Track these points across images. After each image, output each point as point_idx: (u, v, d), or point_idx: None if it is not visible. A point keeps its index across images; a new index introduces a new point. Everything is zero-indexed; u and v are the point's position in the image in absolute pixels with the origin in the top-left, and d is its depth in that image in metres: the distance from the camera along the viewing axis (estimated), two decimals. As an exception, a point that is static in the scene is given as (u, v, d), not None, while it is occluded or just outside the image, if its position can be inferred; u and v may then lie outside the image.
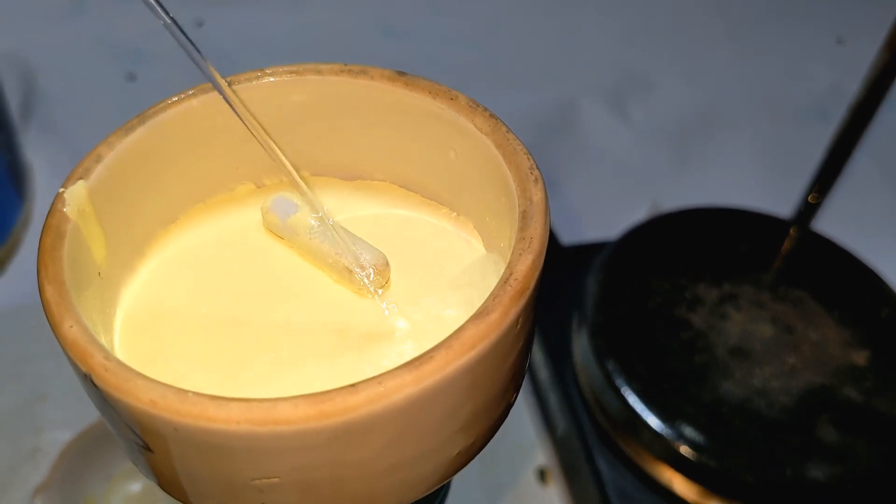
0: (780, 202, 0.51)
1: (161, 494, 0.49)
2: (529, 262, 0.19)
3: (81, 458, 0.46)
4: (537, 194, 0.20)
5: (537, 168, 0.20)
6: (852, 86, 0.44)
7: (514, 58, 0.68)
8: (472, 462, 0.50)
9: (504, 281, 0.18)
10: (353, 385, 0.17)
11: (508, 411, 0.21)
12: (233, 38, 0.66)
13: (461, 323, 0.20)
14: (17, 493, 0.45)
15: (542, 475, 0.48)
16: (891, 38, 0.42)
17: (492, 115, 0.22)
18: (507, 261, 0.19)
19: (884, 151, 0.60)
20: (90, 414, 0.46)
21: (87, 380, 0.17)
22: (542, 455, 0.48)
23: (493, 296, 0.18)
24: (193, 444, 0.17)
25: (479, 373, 0.18)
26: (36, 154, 0.58)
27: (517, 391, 0.21)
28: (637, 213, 0.58)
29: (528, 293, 0.18)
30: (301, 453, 0.17)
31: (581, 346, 0.44)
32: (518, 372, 0.20)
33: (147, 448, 0.18)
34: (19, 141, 0.55)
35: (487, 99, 0.23)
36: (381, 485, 0.19)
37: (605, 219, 0.58)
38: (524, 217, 0.20)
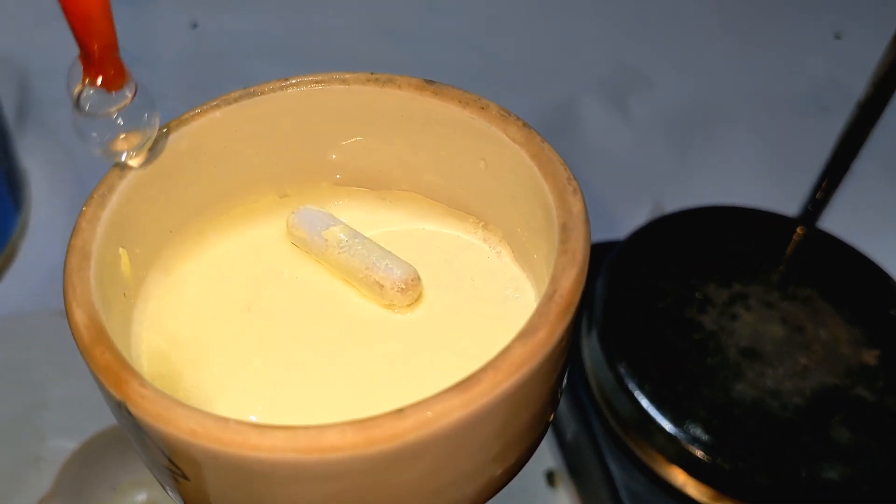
0: (781, 197, 0.51)
1: (167, 505, 0.49)
2: (574, 277, 0.18)
3: (86, 467, 0.45)
4: (577, 205, 0.19)
5: (575, 179, 0.20)
6: (850, 80, 0.44)
7: (513, 57, 0.67)
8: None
9: (549, 297, 0.18)
10: (400, 410, 0.16)
11: (547, 430, 0.21)
12: (227, 41, 0.66)
13: (495, 336, 0.19)
14: (21, 503, 0.44)
15: (550, 478, 0.47)
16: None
17: (525, 125, 0.21)
18: (551, 274, 0.18)
19: (889, 149, 0.60)
20: (92, 421, 0.45)
21: (121, 407, 0.17)
22: (550, 458, 0.48)
23: (539, 313, 0.18)
24: (233, 473, 0.17)
25: (525, 393, 0.18)
26: (31, 161, 0.57)
27: (555, 409, 0.21)
28: (640, 211, 0.58)
29: (573, 309, 0.18)
30: (344, 479, 0.17)
31: (591, 348, 0.44)
32: (558, 389, 0.20)
33: (183, 476, 0.17)
34: (15, 148, 0.54)
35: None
36: (424, 508, 0.18)
37: (609, 218, 0.58)
38: (564, 229, 0.19)
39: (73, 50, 0.70)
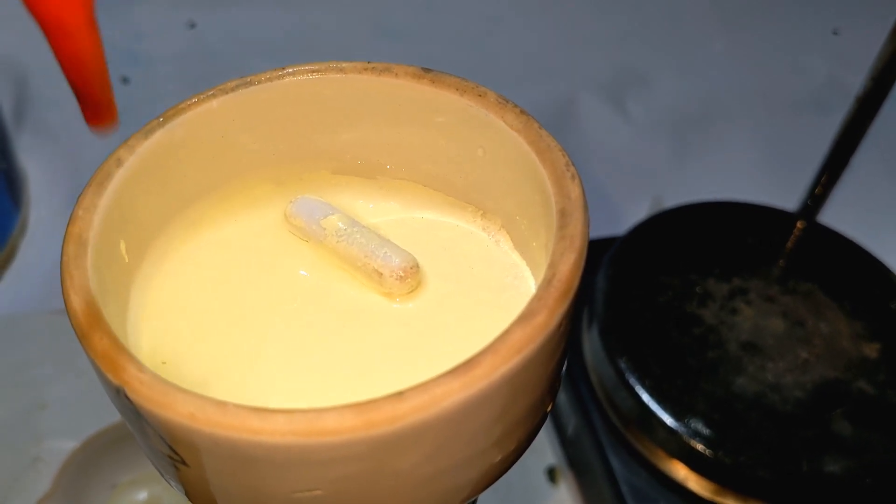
0: (780, 193, 0.51)
1: (166, 502, 0.49)
2: (572, 262, 0.18)
3: (85, 467, 0.45)
4: (575, 191, 0.19)
5: (573, 164, 0.20)
6: (848, 77, 0.44)
7: (511, 55, 0.67)
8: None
9: (548, 282, 0.18)
10: (399, 393, 0.16)
11: (546, 418, 0.20)
12: (225, 40, 0.66)
13: (494, 324, 0.19)
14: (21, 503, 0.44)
15: (551, 475, 0.47)
16: (894, 31, 0.42)
17: (522, 112, 0.21)
18: (549, 259, 0.18)
19: (888, 143, 0.60)
20: (91, 422, 0.45)
21: (120, 393, 0.17)
22: (551, 455, 0.48)
23: (538, 297, 0.17)
24: (233, 457, 0.17)
25: (524, 377, 0.17)
26: (30, 160, 0.57)
27: (555, 397, 0.20)
28: (638, 208, 0.58)
29: (571, 293, 0.18)
30: (344, 464, 0.17)
31: (592, 343, 0.44)
32: (557, 376, 0.20)
33: (182, 462, 0.17)
34: (14, 148, 0.54)
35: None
36: (424, 493, 0.18)
37: (607, 214, 0.58)
38: (563, 215, 0.19)
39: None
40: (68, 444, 0.45)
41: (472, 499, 0.20)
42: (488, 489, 0.48)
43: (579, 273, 0.18)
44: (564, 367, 0.20)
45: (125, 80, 0.62)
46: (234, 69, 0.63)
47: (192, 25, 0.66)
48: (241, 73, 0.65)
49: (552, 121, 0.62)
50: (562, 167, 0.20)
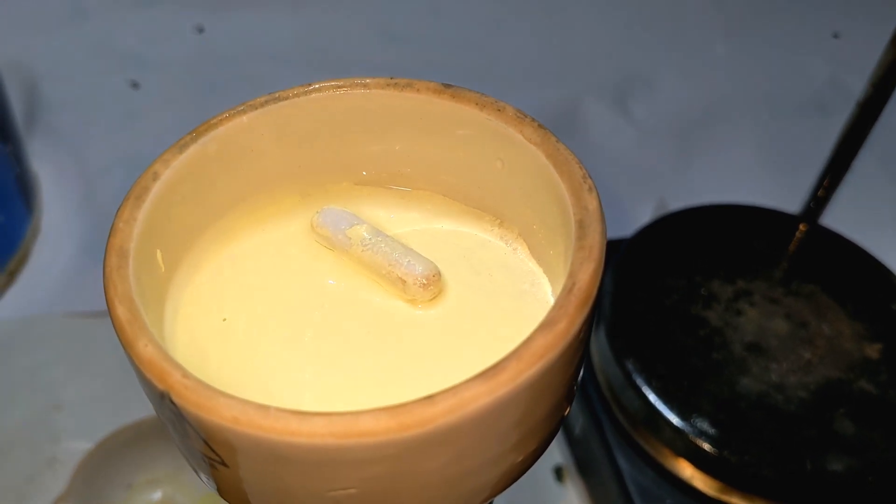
0: (783, 196, 0.52)
1: (181, 501, 0.49)
2: (591, 271, 0.19)
3: (101, 467, 0.46)
4: (592, 203, 0.20)
5: (590, 177, 0.21)
6: (849, 79, 0.45)
7: (514, 59, 0.68)
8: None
9: (568, 291, 0.19)
10: (430, 396, 0.17)
11: (562, 422, 0.21)
12: (234, 45, 0.66)
13: (512, 330, 0.20)
14: (37, 504, 0.45)
15: (559, 474, 0.48)
16: (895, 37, 0.43)
17: (540, 126, 0.22)
18: (569, 269, 0.19)
19: (889, 147, 0.60)
20: (107, 422, 0.46)
21: (165, 398, 0.18)
22: (558, 454, 0.49)
23: (559, 306, 0.18)
24: (271, 458, 0.17)
25: (545, 382, 0.18)
26: (41, 164, 0.58)
27: (571, 402, 0.21)
28: (643, 211, 0.58)
29: (590, 302, 0.19)
30: (377, 464, 0.17)
31: (599, 344, 0.45)
32: (575, 381, 0.21)
33: (222, 463, 0.18)
34: (26, 153, 0.55)
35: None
36: (451, 492, 0.19)
37: (612, 217, 0.59)
38: (581, 226, 0.20)
39: (82, 54, 0.71)
40: (84, 445, 0.46)
41: (491, 499, 0.21)
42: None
43: (597, 282, 0.19)
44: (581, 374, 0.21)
45: (135, 85, 0.63)
46: (242, 74, 0.65)
47: (201, 30, 0.67)
48: (250, 78, 0.65)
49: (557, 124, 0.62)
50: (579, 179, 0.21)
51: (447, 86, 0.23)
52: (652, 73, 0.68)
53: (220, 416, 0.17)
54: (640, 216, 0.56)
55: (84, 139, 0.60)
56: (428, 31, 0.69)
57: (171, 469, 0.46)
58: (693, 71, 0.69)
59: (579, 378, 0.21)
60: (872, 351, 0.44)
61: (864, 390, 0.42)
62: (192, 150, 0.22)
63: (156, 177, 0.21)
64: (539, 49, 0.70)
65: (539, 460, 0.52)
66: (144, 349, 0.18)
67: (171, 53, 0.65)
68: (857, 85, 0.44)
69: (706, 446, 0.40)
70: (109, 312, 0.19)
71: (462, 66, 0.66)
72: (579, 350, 0.19)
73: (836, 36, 0.71)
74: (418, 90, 0.23)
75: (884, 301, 0.46)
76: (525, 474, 0.49)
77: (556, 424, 0.21)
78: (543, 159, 0.22)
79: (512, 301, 0.23)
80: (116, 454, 0.46)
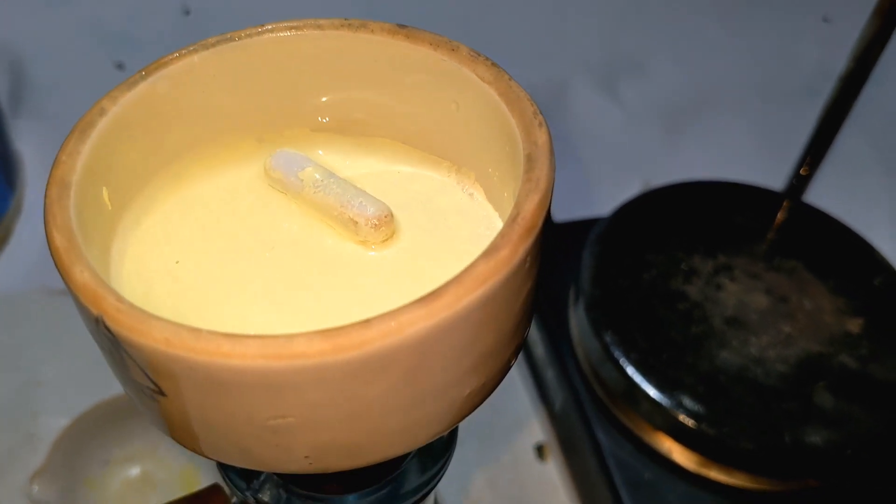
0: (770, 178, 0.52)
1: (159, 477, 0.49)
2: (536, 202, 0.19)
3: (79, 442, 0.46)
4: (542, 137, 0.20)
5: (541, 113, 0.21)
6: (839, 63, 0.44)
7: (504, 37, 0.68)
8: (469, 440, 0.49)
9: (512, 220, 0.18)
10: (366, 320, 0.17)
11: (517, 355, 0.21)
12: (220, 26, 0.66)
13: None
14: (15, 478, 0.45)
15: (540, 451, 0.48)
16: (877, 10, 0.42)
17: (493, 64, 0.22)
18: (515, 200, 0.19)
19: (871, 124, 0.60)
20: (85, 399, 0.46)
21: (99, 322, 0.17)
22: (539, 431, 0.48)
23: (502, 234, 0.18)
24: (208, 384, 0.17)
25: (490, 310, 0.18)
26: (25, 143, 0.58)
27: (525, 335, 0.21)
28: (629, 191, 0.58)
29: (535, 231, 0.18)
30: (316, 389, 0.17)
31: (578, 319, 0.45)
32: (526, 315, 0.20)
33: (160, 392, 0.18)
34: (9, 130, 0.55)
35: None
36: (395, 424, 0.19)
37: (597, 198, 0.59)
38: (529, 160, 0.20)
39: (67, 34, 0.71)
40: (62, 421, 0.46)
41: (449, 431, 0.21)
42: (476, 466, 0.48)
43: (543, 213, 0.19)
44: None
45: (120, 66, 0.63)
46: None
47: (187, 12, 0.67)
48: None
49: (544, 104, 0.62)
50: (530, 115, 0.21)
51: (402, 26, 0.23)
52: (641, 54, 0.68)
53: (153, 338, 0.17)
54: (626, 197, 0.56)
55: (68, 119, 0.59)
56: (415, 10, 0.68)
57: (149, 445, 0.46)
58: (683, 54, 0.68)
59: (533, 308, 0.21)
60: (853, 325, 0.43)
61: (845, 364, 0.42)
62: (141, 87, 0.22)
63: (102, 112, 0.21)
64: (529, 29, 0.69)
65: (520, 438, 0.52)
66: (80, 275, 0.18)
67: (156, 34, 0.65)
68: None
69: (685, 419, 0.40)
70: (48, 244, 0.19)
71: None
72: (527, 281, 0.19)
73: (825, 20, 0.71)
74: (373, 31, 0.23)
75: (865, 276, 0.46)
76: (507, 452, 0.49)
77: (509, 356, 0.21)
78: (496, 97, 0.21)
79: (466, 244, 0.22)
80: (94, 429, 0.46)
